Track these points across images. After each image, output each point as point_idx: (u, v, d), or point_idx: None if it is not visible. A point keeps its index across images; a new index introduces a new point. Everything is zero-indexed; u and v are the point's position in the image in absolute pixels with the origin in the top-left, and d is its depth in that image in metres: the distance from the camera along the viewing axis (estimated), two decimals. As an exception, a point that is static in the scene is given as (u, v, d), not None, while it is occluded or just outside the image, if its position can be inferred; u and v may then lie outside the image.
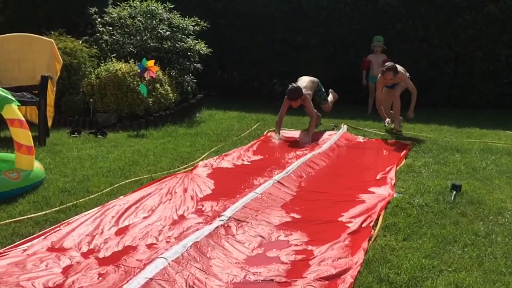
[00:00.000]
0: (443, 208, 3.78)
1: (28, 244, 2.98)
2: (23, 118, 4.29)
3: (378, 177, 4.73)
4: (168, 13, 8.58)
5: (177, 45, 8.45)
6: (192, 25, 8.63)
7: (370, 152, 6.15)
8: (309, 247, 3.08)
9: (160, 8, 8.47)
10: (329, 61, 10.31)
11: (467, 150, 5.87)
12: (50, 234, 3.13)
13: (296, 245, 3.13)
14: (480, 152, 5.82)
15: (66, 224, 3.31)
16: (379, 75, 6.92)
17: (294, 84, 6.64)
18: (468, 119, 8.25)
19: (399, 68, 6.89)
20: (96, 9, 8.51)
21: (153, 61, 7.13)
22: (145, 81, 7.09)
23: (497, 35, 9.60)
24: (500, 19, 9.50)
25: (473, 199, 4.00)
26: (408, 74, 7.01)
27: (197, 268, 2.71)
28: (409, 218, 3.58)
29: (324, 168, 5.22)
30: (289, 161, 5.28)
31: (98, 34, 8.47)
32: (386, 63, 7.02)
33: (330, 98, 7.62)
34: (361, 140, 6.70)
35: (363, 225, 3.42)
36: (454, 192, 4.05)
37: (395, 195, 4.09)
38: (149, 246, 3.02)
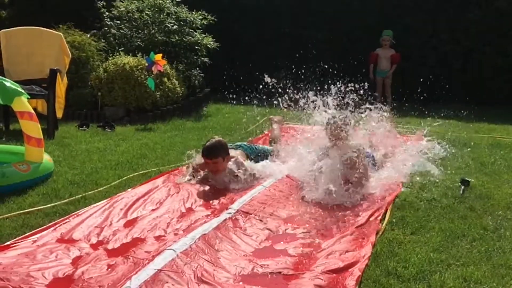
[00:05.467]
0: (451, 203, 3.77)
1: (38, 235, 3.01)
2: (32, 111, 4.32)
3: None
4: (175, 7, 8.58)
5: (184, 39, 8.45)
6: (199, 19, 8.62)
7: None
8: (317, 240, 3.08)
9: (167, 1, 8.47)
10: (337, 56, 10.25)
11: (475, 145, 5.83)
12: (60, 226, 3.16)
13: (304, 238, 3.13)
14: (489, 147, 5.79)
15: (75, 216, 3.34)
16: None
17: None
18: (477, 114, 8.18)
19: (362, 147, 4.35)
20: (104, 3, 8.53)
21: (161, 55, 7.15)
22: (152, 75, 7.10)
23: (506, 30, 9.50)
24: (511, 14, 9.40)
25: (481, 193, 3.98)
26: (367, 152, 4.49)
27: (205, 260, 2.73)
28: (417, 212, 3.57)
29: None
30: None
31: (106, 28, 8.49)
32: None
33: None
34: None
35: (371, 219, 3.42)
36: (463, 187, 4.04)
37: (403, 190, 4.08)
38: (158, 238, 3.04)
